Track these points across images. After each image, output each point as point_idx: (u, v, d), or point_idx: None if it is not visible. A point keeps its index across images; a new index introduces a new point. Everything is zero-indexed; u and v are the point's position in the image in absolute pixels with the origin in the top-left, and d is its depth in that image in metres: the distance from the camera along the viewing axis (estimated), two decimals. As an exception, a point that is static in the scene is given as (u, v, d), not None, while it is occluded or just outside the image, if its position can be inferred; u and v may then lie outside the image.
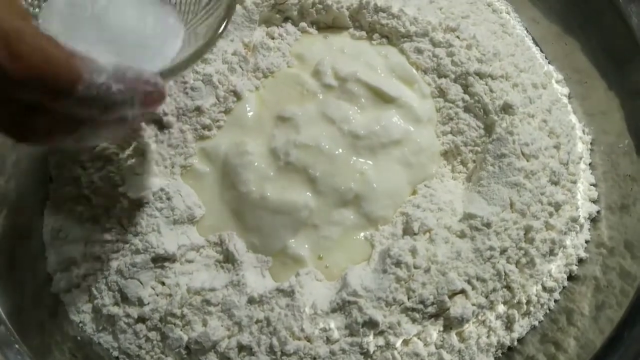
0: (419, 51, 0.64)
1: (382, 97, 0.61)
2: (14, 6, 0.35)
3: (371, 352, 0.52)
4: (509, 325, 0.57)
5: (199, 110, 0.60)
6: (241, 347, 0.53)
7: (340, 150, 0.59)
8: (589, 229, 0.62)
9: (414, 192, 0.60)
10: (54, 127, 0.39)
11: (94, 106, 0.38)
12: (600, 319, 0.55)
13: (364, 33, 0.66)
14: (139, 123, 0.56)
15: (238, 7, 0.64)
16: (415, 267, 0.53)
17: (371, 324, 0.52)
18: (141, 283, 0.56)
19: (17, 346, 0.51)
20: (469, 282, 0.54)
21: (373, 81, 0.61)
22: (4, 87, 0.35)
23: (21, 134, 0.39)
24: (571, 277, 0.60)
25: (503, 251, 0.55)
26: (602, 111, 0.66)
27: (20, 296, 0.57)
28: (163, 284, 0.56)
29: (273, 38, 0.66)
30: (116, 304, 0.56)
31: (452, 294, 0.54)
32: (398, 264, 0.53)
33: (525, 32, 0.73)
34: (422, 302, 0.53)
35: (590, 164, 0.65)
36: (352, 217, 0.58)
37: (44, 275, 0.59)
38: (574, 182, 0.61)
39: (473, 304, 0.54)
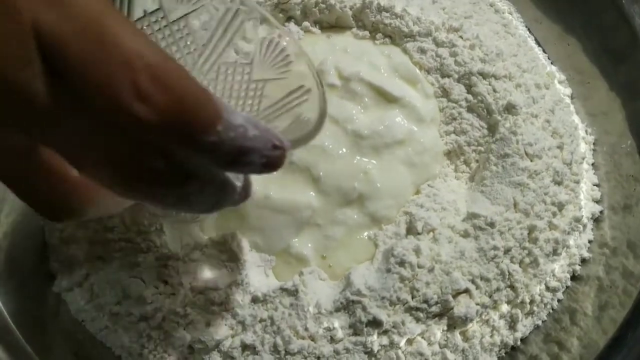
0: (422, 51, 0.64)
1: (386, 97, 0.61)
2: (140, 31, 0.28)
3: (375, 351, 0.52)
4: (512, 324, 0.57)
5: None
6: (245, 347, 0.53)
7: (344, 150, 0.59)
8: (592, 229, 0.62)
9: (418, 192, 0.60)
10: (161, 177, 0.31)
11: (223, 153, 0.30)
12: (604, 319, 0.55)
13: (367, 33, 0.66)
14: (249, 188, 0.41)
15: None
16: (419, 267, 0.53)
17: (375, 323, 0.52)
18: (144, 282, 0.55)
19: (20, 345, 0.51)
20: (472, 281, 0.54)
21: (376, 81, 0.61)
22: (137, 129, 0.27)
23: (125, 180, 0.30)
24: (574, 277, 0.60)
25: (507, 251, 0.55)
26: (605, 112, 0.66)
27: (22, 295, 0.56)
28: (166, 283, 0.56)
29: (276, 37, 0.65)
30: (119, 302, 0.56)
31: (456, 294, 0.54)
32: (402, 263, 0.53)
33: (528, 32, 0.73)
34: (426, 301, 0.53)
35: (593, 164, 0.65)
36: (356, 216, 0.58)
37: (46, 275, 0.59)
38: (577, 182, 0.61)
39: (477, 304, 0.54)
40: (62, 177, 0.32)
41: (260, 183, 0.57)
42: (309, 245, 0.57)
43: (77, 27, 0.25)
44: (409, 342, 0.54)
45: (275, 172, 0.34)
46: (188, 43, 0.49)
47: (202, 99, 0.29)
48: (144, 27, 0.46)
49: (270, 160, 0.33)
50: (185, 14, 0.48)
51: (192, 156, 0.30)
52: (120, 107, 0.26)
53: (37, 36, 0.25)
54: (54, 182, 0.32)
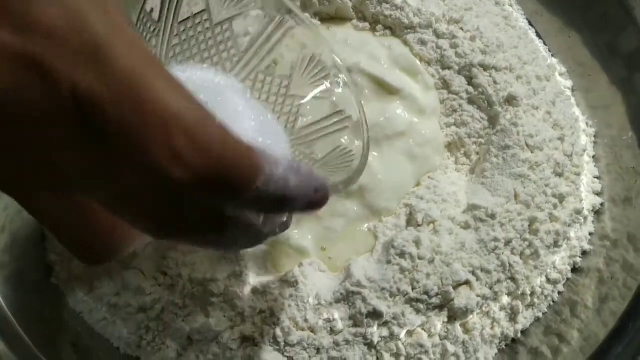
0: (423, 43, 0.64)
1: (386, 89, 0.61)
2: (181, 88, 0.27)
3: (375, 342, 0.52)
4: (512, 316, 0.57)
5: (200, 98, 0.60)
6: (244, 338, 0.53)
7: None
8: (593, 222, 0.62)
9: (418, 184, 0.60)
10: (199, 227, 0.31)
11: (263, 206, 0.31)
12: (604, 312, 0.55)
13: (367, 24, 0.66)
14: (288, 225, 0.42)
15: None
16: (419, 258, 0.53)
17: (375, 314, 0.52)
18: (143, 273, 0.55)
19: (18, 337, 0.51)
20: (473, 273, 0.54)
21: (377, 72, 0.61)
22: (174, 189, 0.27)
23: (163, 229, 0.30)
24: (575, 269, 0.60)
25: (507, 242, 0.55)
26: (605, 104, 0.66)
27: (21, 287, 0.56)
28: (165, 274, 0.55)
29: (275, 29, 0.65)
30: (117, 294, 0.56)
31: (457, 285, 0.53)
32: (402, 254, 0.53)
33: (529, 24, 0.73)
34: (426, 292, 0.53)
35: (593, 157, 0.65)
36: (356, 208, 0.58)
37: (45, 266, 0.59)
38: (578, 175, 0.60)
39: (477, 295, 0.54)
40: (98, 217, 0.32)
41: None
42: (309, 237, 0.57)
43: (114, 89, 0.25)
44: (409, 333, 0.54)
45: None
46: (229, 47, 0.48)
47: (240, 157, 0.28)
48: (189, 28, 0.45)
49: (312, 203, 0.33)
50: (230, 18, 0.47)
51: (240, 207, 0.30)
52: (158, 170, 0.26)
53: (74, 98, 0.25)
54: (90, 222, 0.32)
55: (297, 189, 0.31)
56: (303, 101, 0.50)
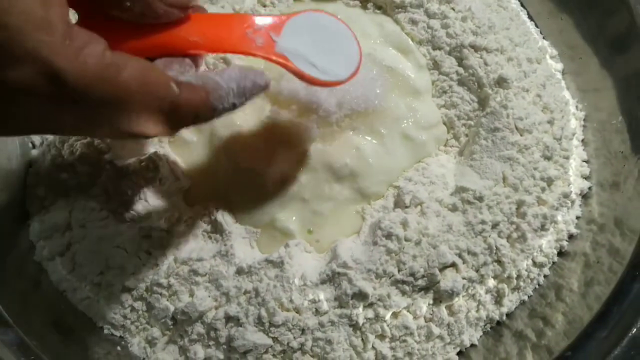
0: (414, 22, 0.63)
1: (378, 67, 0.60)
2: None
3: (360, 324, 0.52)
4: (498, 299, 0.57)
5: (188, 77, 0.59)
6: (229, 318, 0.52)
7: (335, 126, 0.58)
8: (580, 205, 0.62)
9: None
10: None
11: (229, 107, 0.42)
12: (589, 295, 0.55)
13: (357, 2, 0.65)
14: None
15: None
16: (406, 240, 0.53)
17: (360, 295, 0.51)
18: (127, 252, 0.55)
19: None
20: (459, 255, 0.54)
21: (369, 49, 0.59)
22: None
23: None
24: (561, 253, 0.60)
25: (495, 225, 0.55)
26: (596, 88, 0.66)
27: (2, 265, 0.55)
28: (149, 253, 0.55)
29: (264, 5, 0.64)
30: (101, 273, 0.55)
31: (443, 267, 0.53)
32: (389, 236, 0.53)
33: (521, 6, 0.72)
34: (412, 274, 0.52)
35: (582, 140, 0.65)
36: (345, 192, 0.57)
37: (27, 244, 0.58)
38: (567, 158, 0.60)
39: (463, 278, 0.54)
40: None
41: (245, 155, 0.56)
42: (293, 218, 0.56)
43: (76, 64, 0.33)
44: (395, 315, 0.53)
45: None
46: None
47: (194, 91, 0.40)
48: None
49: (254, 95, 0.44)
50: None
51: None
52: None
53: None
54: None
55: (240, 104, 0.42)
56: None
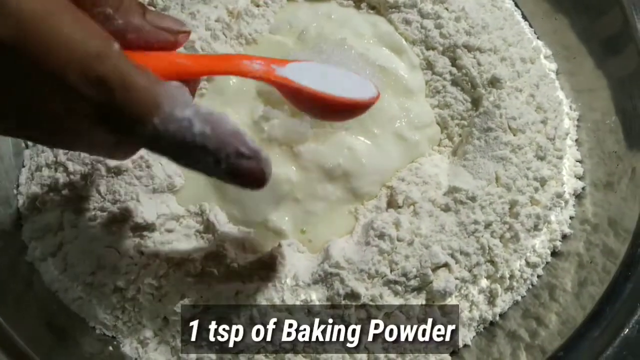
0: (407, 22, 0.63)
1: (371, 66, 0.59)
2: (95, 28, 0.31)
3: (353, 324, 0.52)
4: (491, 300, 0.57)
5: (180, 77, 0.59)
6: (221, 318, 0.52)
7: (327, 124, 0.57)
8: (574, 205, 0.62)
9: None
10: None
11: (165, 147, 0.32)
12: (582, 295, 0.55)
13: (351, 2, 0.64)
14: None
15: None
16: (398, 240, 0.53)
17: (353, 296, 0.51)
18: (119, 252, 0.54)
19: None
20: (452, 255, 0.54)
21: (362, 49, 0.59)
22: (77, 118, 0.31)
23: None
24: (555, 253, 0.60)
25: (487, 225, 0.55)
26: (590, 88, 0.66)
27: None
28: (141, 253, 0.54)
29: (258, 5, 0.64)
30: (93, 273, 0.55)
31: (436, 268, 0.53)
32: (381, 236, 0.53)
33: (515, 6, 0.72)
34: (404, 275, 0.52)
35: (576, 141, 0.65)
36: (338, 192, 0.57)
37: (19, 244, 0.58)
38: (560, 158, 0.60)
39: (456, 278, 0.54)
40: None
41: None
42: (286, 218, 0.56)
43: (19, 31, 0.28)
44: (387, 315, 0.53)
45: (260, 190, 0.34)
46: None
47: (135, 91, 0.30)
48: None
49: (234, 168, 0.32)
50: None
51: (144, 142, 0.32)
52: (60, 100, 0.30)
53: None
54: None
55: (205, 138, 0.31)
56: None
